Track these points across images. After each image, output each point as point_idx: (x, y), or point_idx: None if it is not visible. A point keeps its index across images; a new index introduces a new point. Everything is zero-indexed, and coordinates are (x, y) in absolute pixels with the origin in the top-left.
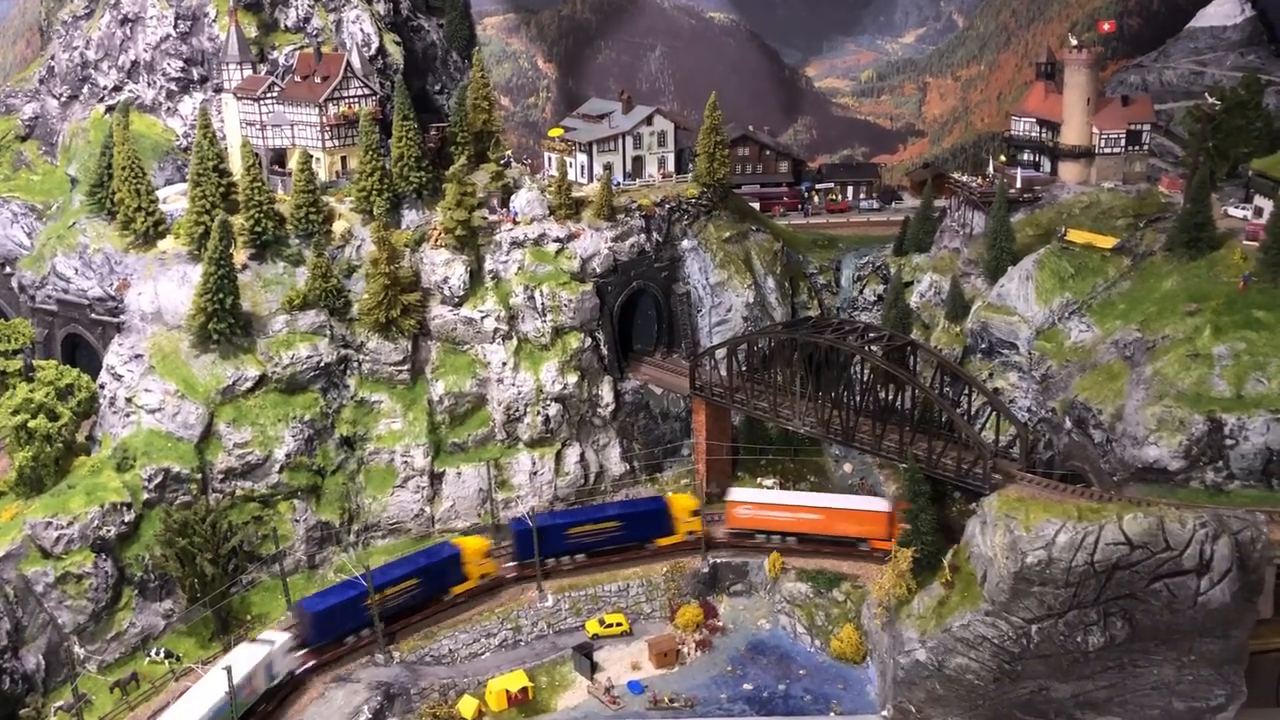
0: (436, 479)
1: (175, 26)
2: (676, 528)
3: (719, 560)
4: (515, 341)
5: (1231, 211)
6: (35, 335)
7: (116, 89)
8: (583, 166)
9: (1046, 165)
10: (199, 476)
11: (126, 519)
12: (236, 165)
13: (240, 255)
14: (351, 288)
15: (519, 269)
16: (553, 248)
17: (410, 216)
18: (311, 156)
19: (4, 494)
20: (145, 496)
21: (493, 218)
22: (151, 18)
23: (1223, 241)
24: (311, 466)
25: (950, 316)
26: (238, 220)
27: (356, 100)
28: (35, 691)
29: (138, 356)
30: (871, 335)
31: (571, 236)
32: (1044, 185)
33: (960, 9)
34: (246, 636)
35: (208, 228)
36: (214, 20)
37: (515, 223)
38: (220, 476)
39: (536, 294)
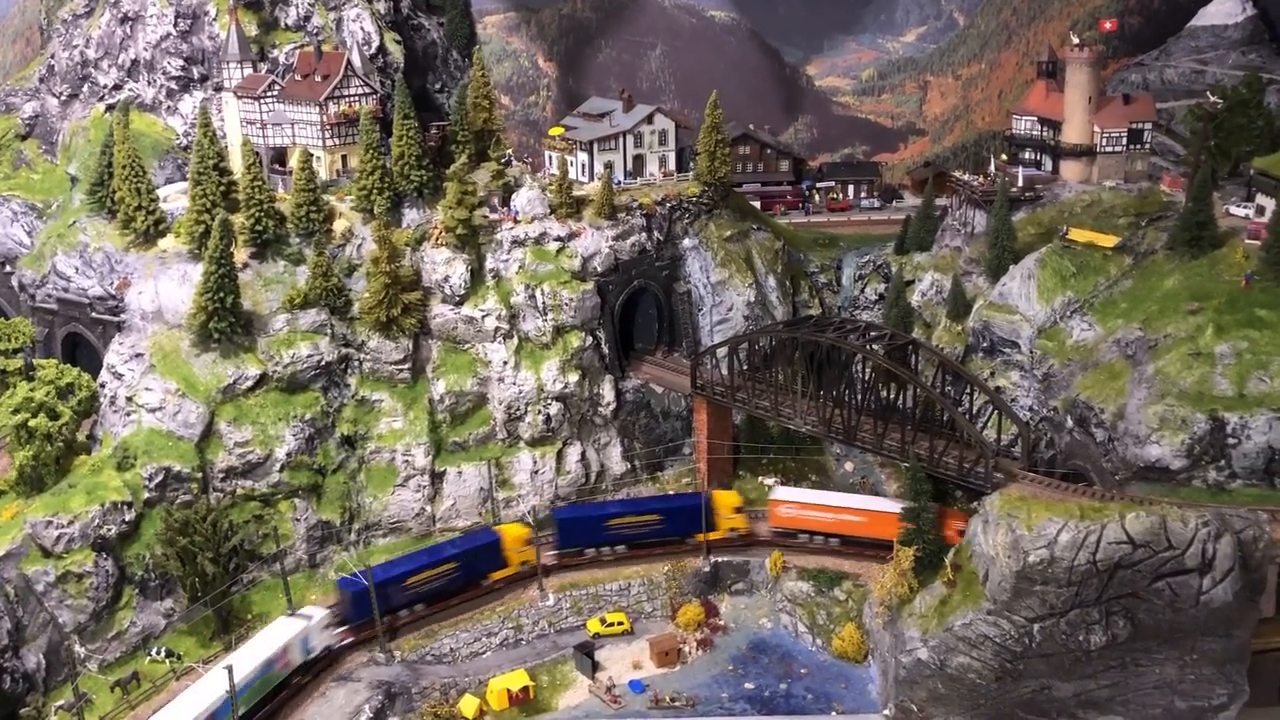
0: (437, 478)
1: (175, 25)
2: (719, 524)
3: (720, 559)
4: (516, 340)
5: (1233, 210)
6: (35, 334)
7: (117, 88)
8: (583, 165)
9: (1048, 164)
10: (200, 475)
11: (127, 518)
12: (237, 164)
13: (241, 254)
14: (352, 286)
15: (520, 268)
16: (554, 246)
17: (411, 215)
18: (312, 155)
19: (4, 493)
20: (146, 495)
21: (494, 216)
22: (151, 16)
23: (1224, 240)
24: (312, 465)
25: (952, 315)
26: (238, 219)
27: (357, 99)
28: (36, 691)
29: (138, 355)
30: (873, 334)
31: (572, 235)
32: (1045, 184)
33: (961, 7)
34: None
35: (208, 226)
36: (214, 19)
37: (516, 221)
38: (221, 475)
39: (537, 293)
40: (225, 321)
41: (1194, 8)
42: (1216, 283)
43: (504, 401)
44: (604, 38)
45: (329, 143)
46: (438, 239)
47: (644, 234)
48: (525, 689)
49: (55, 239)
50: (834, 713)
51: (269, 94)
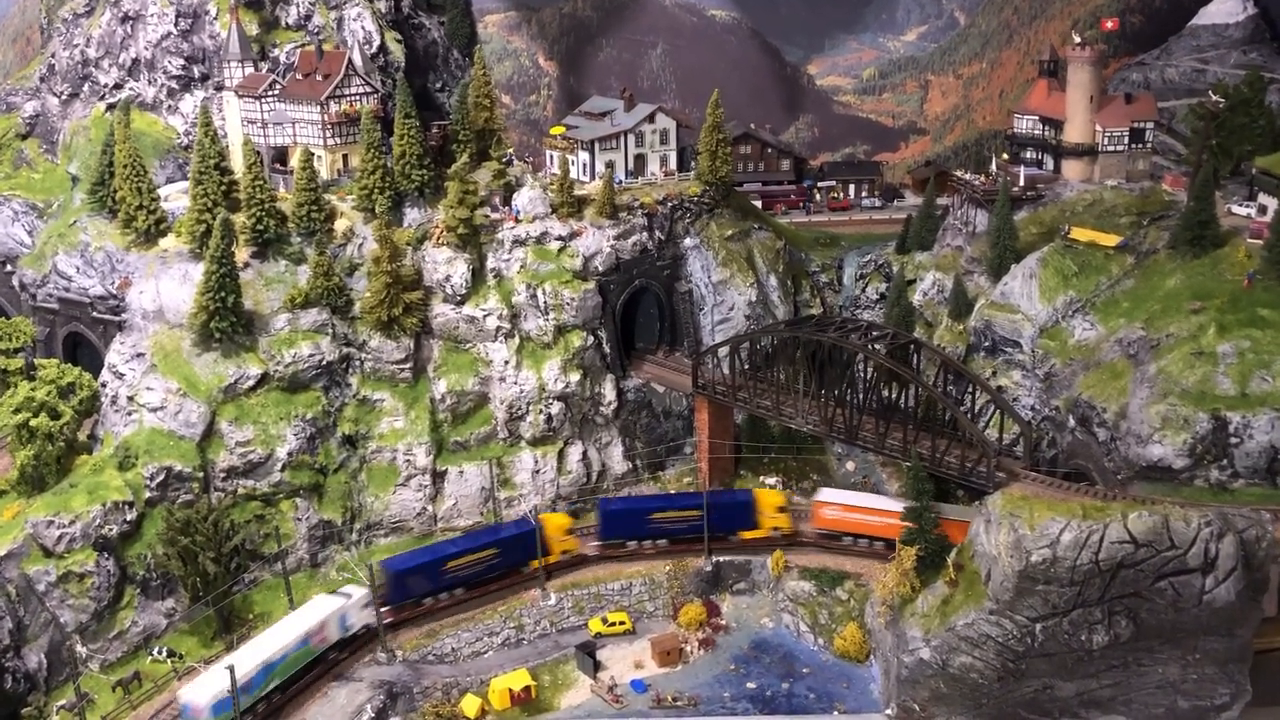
0: (439, 477)
1: (176, 24)
2: (761, 522)
3: (722, 559)
4: (517, 340)
5: (1235, 209)
6: (36, 334)
7: (117, 87)
8: (585, 164)
9: (1049, 163)
10: (201, 475)
11: (128, 518)
12: (238, 163)
13: (242, 253)
14: (353, 286)
15: (521, 267)
16: (555, 246)
17: (412, 215)
18: (313, 154)
19: (6, 493)
20: (147, 495)
21: (495, 216)
22: (152, 15)
23: (1227, 239)
24: (313, 465)
25: (953, 315)
26: (239, 218)
27: (358, 98)
28: (37, 690)
29: (139, 355)
30: (875, 333)
31: (574, 235)
32: (1047, 183)
33: (962, 6)
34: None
35: (209, 226)
36: (215, 18)
37: (517, 221)
38: (222, 475)
39: (539, 292)
40: (226, 321)
41: (1195, 7)
42: (1219, 282)
43: (505, 401)
44: (605, 37)
45: (330, 142)
46: (439, 238)
47: (645, 233)
48: (527, 689)
49: (56, 238)
50: (836, 712)
51: (270, 93)
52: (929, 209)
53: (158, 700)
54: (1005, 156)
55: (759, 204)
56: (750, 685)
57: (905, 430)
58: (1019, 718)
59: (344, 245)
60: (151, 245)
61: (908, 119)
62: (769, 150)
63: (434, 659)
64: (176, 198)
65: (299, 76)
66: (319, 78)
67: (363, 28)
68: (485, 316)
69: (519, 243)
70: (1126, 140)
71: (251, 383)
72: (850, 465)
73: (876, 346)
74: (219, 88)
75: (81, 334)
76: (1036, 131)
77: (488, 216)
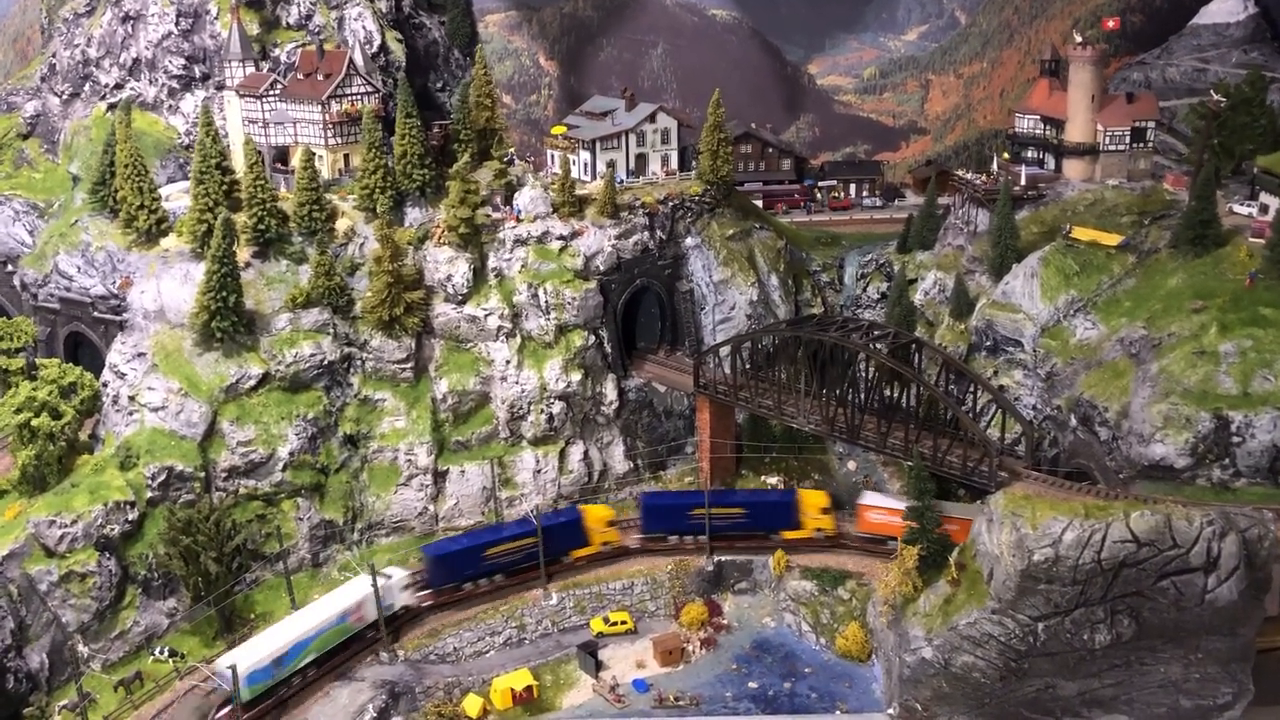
0: (440, 477)
1: (177, 24)
2: (804, 523)
3: (723, 558)
4: (519, 339)
5: (1236, 209)
6: (38, 333)
7: (118, 87)
8: (586, 164)
9: (1051, 162)
10: (202, 475)
11: (130, 517)
12: (239, 163)
13: (243, 253)
14: (355, 286)
15: (522, 267)
16: (556, 245)
17: (413, 214)
18: (314, 154)
19: (7, 493)
20: (149, 495)
21: (496, 215)
22: (153, 15)
23: (1228, 239)
24: (315, 465)
25: (955, 314)
26: (240, 218)
27: (359, 98)
28: (39, 690)
29: (140, 355)
30: (876, 333)
31: (575, 234)
32: (1048, 182)
33: (963, 6)
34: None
35: (210, 226)
36: (216, 18)
37: (518, 220)
38: (224, 475)
39: (540, 292)
40: (228, 321)
41: (1196, 6)
42: (1220, 281)
43: (507, 400)
44: (605, 36)
45: (331, 141)
46: (440, 238)
47: (646, 233)
48: (529, 688)
49: (57, 238)
50: (838, 712)
51: (271, 93)
52: (930, 208)
53: (159, 700)
54: (1006, 156)
55: (760, 203)
56: (752, 685)
57: (907, 430)
58: (1021, 717)
59: (345, 245)
60: (153, 245)
61: (908, 118)
62: (770, 150)
63: (436, 659)
64: (177, 197)
65: (300, 76)
66: (320, 77)
67: (364, 27)
68: (486, 316)
69: (520, 242)
70: (1128, 139)
71: (253, 382)
72: (851, 465)
73: (878, 346)
74: (220, 87)
75: (83, 334)
76: (1038, 131)
77: (489, 216)
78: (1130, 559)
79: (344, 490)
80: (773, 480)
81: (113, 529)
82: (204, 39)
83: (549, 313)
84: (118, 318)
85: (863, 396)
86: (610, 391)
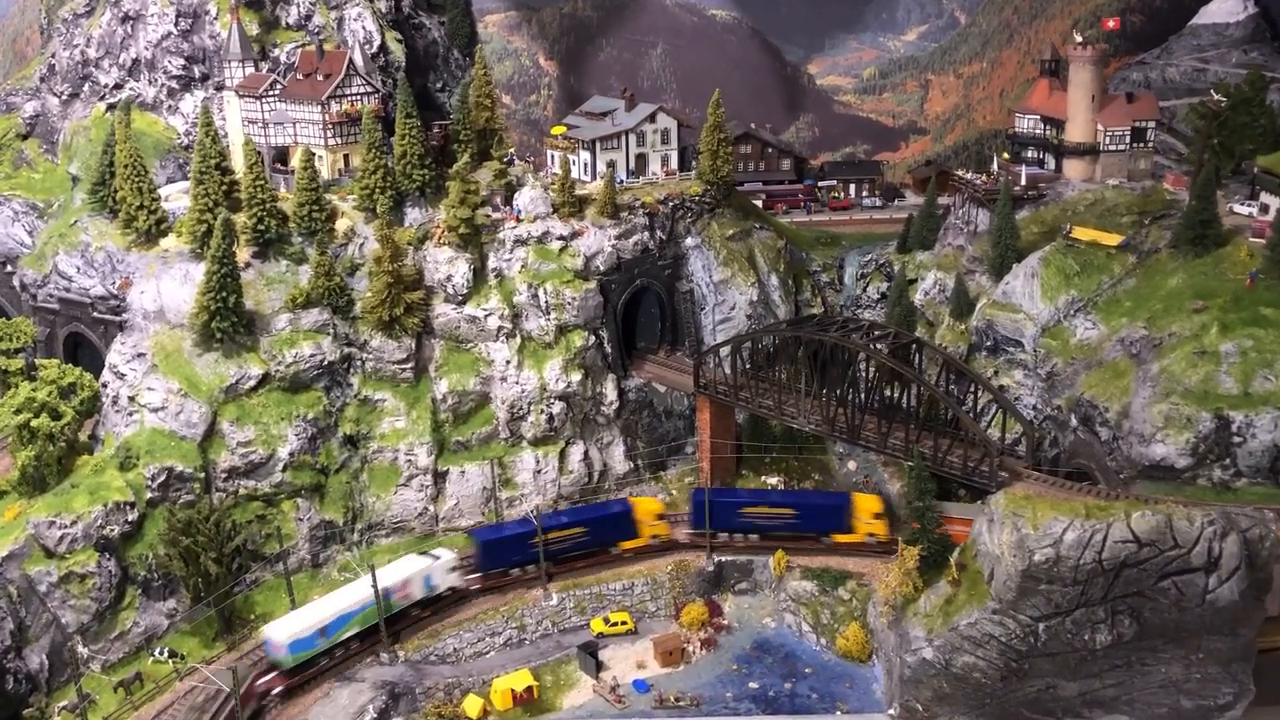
0: (440, 477)
1: (176, 24)
2: (857, 527)
3: (724, 559)
4: (519, 339)
5: (1237, 209)
6: (37, 334)
7: (118, 87)
8: (586, 164)
9: (1051, 162)
10: (202, 475)
11: (130, 518)
12: (239, 163)
13: (243, 253)
14: (354, 286)
15: (522, 267)
16: (556, 245)
17: (413, 214)
18: (314, 154)
19: (7, 493)
20: (148, 496)
21: (496, 216)
22: (152, 15)
23: (1229, 239)
24: (315, 465)
25: (955, 314)
26: (240, 218)
27: (359, 98)
28: (39, 691)
29: (140, 355)
30: (876, 333)
31: (575, 234)
32: (1048, 182)
33: (962, 6)
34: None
35: (210, 226)
36: (215, 18)
37: (518, 220)
38: (224, 475)
39: (540, 292)
40: (227, 321)
41: (1195, 6)
42: (1221, 281)
43: (507, 401)
44: (605, 36)
45: (331, 142)
46: (440, 238)
47: (646, 233)
48: (529, 689)
49: (57, 239)
50: (838, 712)
51: (271, 93)
52: (930, 208)
53: (159, 701)
54: (1006, 156)
55: (760, 203)
56: (753, 685)
57: (907, 430)
58: (1022, 717)
59: (345, 245)
60: (152, 245)
61: (908, 118)
62: (769, 150)
63: (436, 659)
64: (177, 198)
65: (300, 76)
66: (320, 77)
67: (363, 27)
68: (486, 316)
69: (520, 242)
70: (1128, 139)
71: (253, 383)
72: (852, 465)
73: (878, 346)
74: (219, 88)
75: (82, 334)
76: (1038, 131)
77: (489, 216)
78: (1131, 559)
79: (344, 491)
80: (773, 480)
81: (112, 530)
82: (203, 39)
83: (549, 313)
84: (117, 318)
85: (863, 396)
86: (610, 392)
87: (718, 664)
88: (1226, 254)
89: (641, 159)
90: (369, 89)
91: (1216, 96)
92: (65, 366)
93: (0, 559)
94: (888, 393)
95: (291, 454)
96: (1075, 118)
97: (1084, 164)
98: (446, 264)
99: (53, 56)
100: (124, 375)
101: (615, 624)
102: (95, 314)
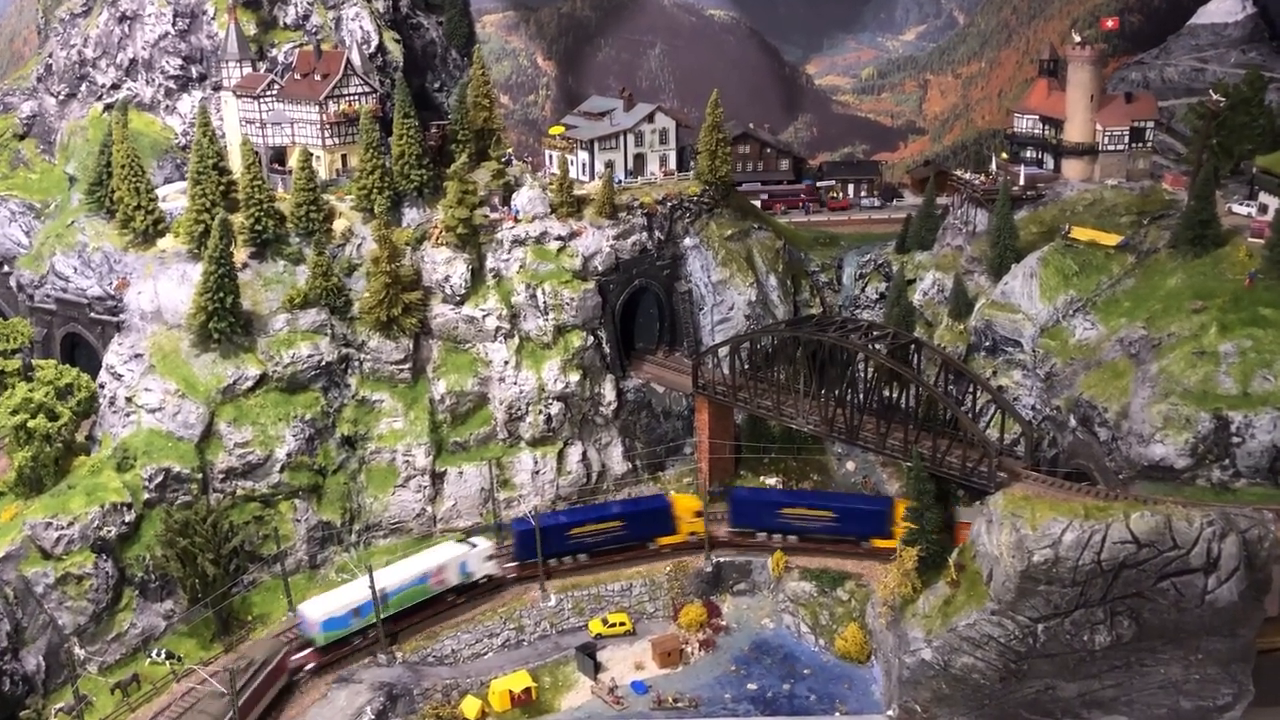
0: (438, 478)
1: (173, 24)
2: (895, 532)
3: (722, 559)
4: (517, 340)
5: (1236, 209)
6: (34, 334)
7: (115, 87)
8: (584, 164)
9: (1049, 162)
10: (200, 476)
11: (127, 519)
12: (236, 163)
13: (240, 254)
14: (352, 286)
15: (521, 267)
16: (554, 246)
17: (411, 215)
18: (312, 154)
19: (3, 494)
20: (146, 496)
21: (494, 216)
22: (150, 15)
23: (1228, 239)
24: (312, 466)
25: (954, 314)
26: (238, 219)
27: (356, 98)
28: (35, 693)
29: (137, 356)
30: (875, 333)
31: (573, 234)
32: (1047, 182)
33: (961, 6)
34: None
35: (208, 226)
36: (213, 18)
37: (517, 221)
38: (221, 476)
39: (538, 292)
40: (225, 321)
41: (1194, 6)
42: (1220, 281)
43: (505, 401)
44: (603, 36)
45: (329, 142)
46: (438, 238)
47: (645, 233)
48: (527, 690)
49: (54, 239)
50: (837, 713)
51: (268, 93)
52: (929, 208)
53: (156, 703)
54: (1005, 156)
55: (759, 203)
56: (751, 686)
57: (906, 430)
58: (1021, 718)
59: (343, 245)
60: (149, 246)
61: (906, 118)
62: (768, 150)
63: (434, 660)
64: (174, 198)
65: (297, 76)
66: (317, 77)
67: (361, 27)
68: (484, 317)
69: (518, 243)
70: (1127, 139)
71: (250, 383)
72: (850, 465)
73: (877, 346)
74: (217, 88)
75: (79, 335)
76: (1036, 131)
77: (487, 216)
78: (1130, 560)
79: (341, 491)
80: (772, 481)
81: (109, 531)
82: (201, 39)
83: (547, 313)
84: (114, 318)
85: (862, 397)
86: (609, 392)
87: (716, 665)
88: (1225, 254)
89: (640, 159)
90: (367, 89)
91: (1215, 96)
92: (62, 367)
93: None
94: (886, 393)
95: (289, 455)
96: (1074, 118)
97: (1083, 164)
98: (444, 264)
99: (50, 56)
100: (121, 376)
101: (613, 625)
102: (92, 314)
